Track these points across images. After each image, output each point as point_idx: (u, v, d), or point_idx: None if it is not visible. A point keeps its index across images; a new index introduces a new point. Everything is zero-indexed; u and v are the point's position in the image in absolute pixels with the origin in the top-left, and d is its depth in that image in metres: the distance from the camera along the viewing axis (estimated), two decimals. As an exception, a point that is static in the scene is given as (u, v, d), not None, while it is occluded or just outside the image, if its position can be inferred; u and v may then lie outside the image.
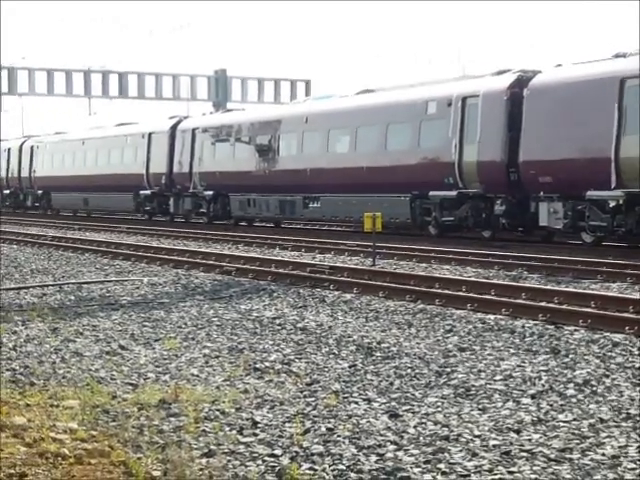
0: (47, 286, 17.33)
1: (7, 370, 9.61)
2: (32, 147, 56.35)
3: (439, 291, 15.21)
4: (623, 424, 7.29)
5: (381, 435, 7.06)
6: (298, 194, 33.97)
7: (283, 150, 35.45)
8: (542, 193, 24.73)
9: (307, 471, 6.21)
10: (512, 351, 10.45)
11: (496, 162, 26.13)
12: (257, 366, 9.78)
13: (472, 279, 16.98)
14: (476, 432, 7.10)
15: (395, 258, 21.82)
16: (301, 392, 8.56)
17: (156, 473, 6.14)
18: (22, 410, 7.76)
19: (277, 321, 12.93)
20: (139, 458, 6.43)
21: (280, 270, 19.03)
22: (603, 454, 6.51)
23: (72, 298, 15.69)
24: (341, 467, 6.31)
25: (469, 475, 6.11)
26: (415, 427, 7.28)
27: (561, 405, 7.95)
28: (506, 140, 25.94)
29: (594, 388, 8.54)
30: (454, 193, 27.33)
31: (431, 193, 28.07)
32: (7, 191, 59.00)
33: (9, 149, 59.51)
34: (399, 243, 24.56)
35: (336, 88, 47.76)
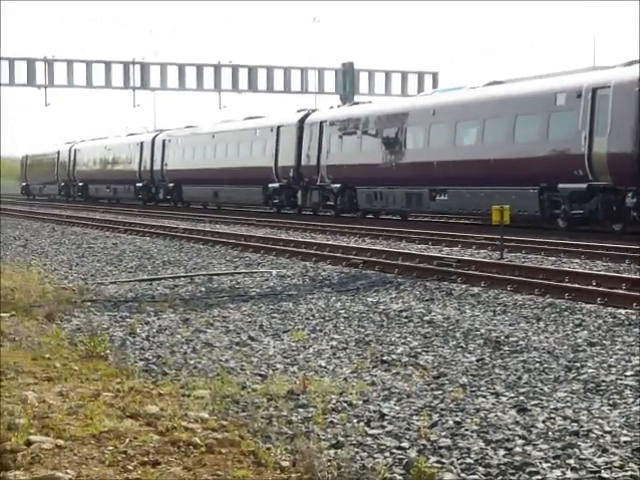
0: (178, 277, 17.65)
1: (140, 360, 9.83)
2: (164, 141, 57.30)
3: (568, 285, 15.01)
4: None
5: (509, 429, 7.02)
6: (425, 187, 33.84)
7: (410, 143, 35.37)
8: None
9: (435, 464, 6.21)
10: (644, 346, 10.25)
11: (627, 154, 25.60)
12: (384, 358, 9.81)
13: (602, 273, 16.70)
14: (606, 428, 7.00)
15: (523, 251, 21.59)
16: (428, 385, 8.56)
17: (285, 463, 6.22)
18: (155, 399, 7.94)
19: (404, 314, 12.93)
20: (268, 448, 6.52)
21: (407, 263, 19.01)
22: None
23: (203, 289, 15.95)
24: (469, 461, 6.30)
25: (599, 471, 6.03)
26: (544, 422, 7.21)
27: (695, 402, 7.78)
28: (638, 132, 25.40)
29: None
30: (584, 186, 26.88)
31: (560, 185, 27.67)
32: (140, 184, 60.14)
33: (142, 143, 60.65)
34: (527, 236, 24.29)
35: (464, 80, 47.40)
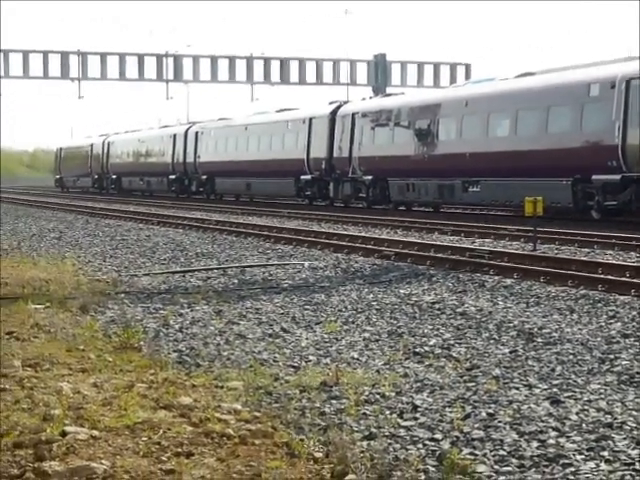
0: (211, 269, 17.71)
1: (174, 351, 9.88)
2: (197, 133, 57.45)
3: (602, 276, 14.95)
4: None
5: (542, 421, 7.00)
6: (457, 178, 33.78)
7: (442, 134, 35.31)
8: None
9: (468, 456, 6.21)
10: (678, 338, 10.20)
11: (661, 145, 25.45)
12: (417, 350, 9.81)
13: (636, 264, 16.60)
14: (640, 420, 6.97)
15: (556, 243, 21.51)
16: (461, 377, 8.55)
17: (318, 455, 6.23)
18: (188, 390, 7.98)
19: (436, 306, 12.92)
20: (301, 440, 6.54)
21: (439, 255, 18.98)
22: None
23: (235, 281, 15.99)
24: (502, 453, 6.29)
25: (633, 463, 6.01)
26: (577, 414, 7.19)
27: None
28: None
29: None
30: (617, 177, 26.75)
31: (594, 177, 27.54)
32: (173, 176, 60.33)
33: (175, 135, 60.83)
34: (560, 228, 24.19)
35: (496, 71, 47.24)
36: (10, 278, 16.16)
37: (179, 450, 6.27)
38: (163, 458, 6.12)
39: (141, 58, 57.78)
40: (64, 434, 6.50)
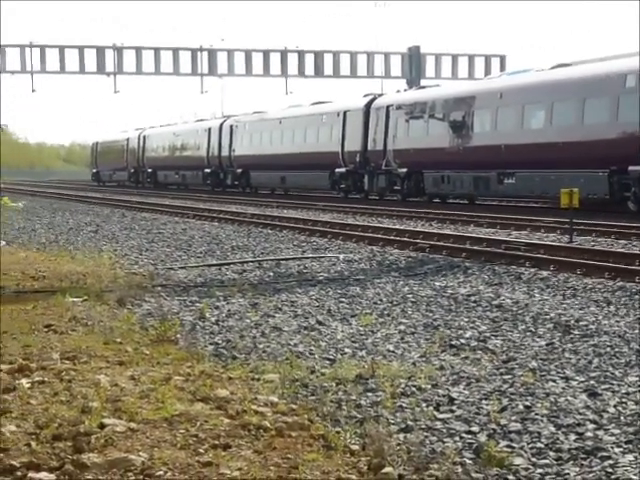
0: (247, 262, 17.75)
1: (210, 344, 9.91)
2: (231, 126, 57.57)
3: (639, 268, 14.84)
4: None
5: (580, 414, 6.98)
6: (492, 170, 33.67)
7: (477, 126, 35.20)
8: None
9: (505, 448, 6.20)
10: None
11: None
12: (452, 343, 9.79)
13: (674, 256, 16.48)
14: (679, 413, 6.93)
15: (593, 235, 21.39)
16: (497, 369, 8.53)
17: (354, 447, 6.24)
18: (225, 383, 8.00)
19: (472, 298, 12.89)
20: (338, 432, 6.54)
21: (475, 247, 18.93)
22: None
23: (271, 274, 16.03)
24: (539, 445, 6.28)
25: (671, 456, 5.98)
26: (615, 406, 7.16)
27: None
28: None
29: None
30: (655, 168, 26.56)
31: (630, 168, 27.35)
32: (208, 170, 60.49)
33: (209, 129, 60.99)
34: (597, 219, 24.05)
35: (532, 63, 47.05)
36: (48, 272, 16.28)
37: (216, 442, 6.29)
38: (200, 450, 6.14)
39: (176, 52, 57.92)
40: (102, 426, 6.54)
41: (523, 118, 32.52)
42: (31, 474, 5.70)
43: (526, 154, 31.77)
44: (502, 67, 57.75)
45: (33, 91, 57.22)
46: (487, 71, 57.47)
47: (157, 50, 57.81)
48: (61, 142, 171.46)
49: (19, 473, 5.73)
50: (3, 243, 22.84)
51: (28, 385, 7.80)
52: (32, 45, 56.19)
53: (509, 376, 8.23)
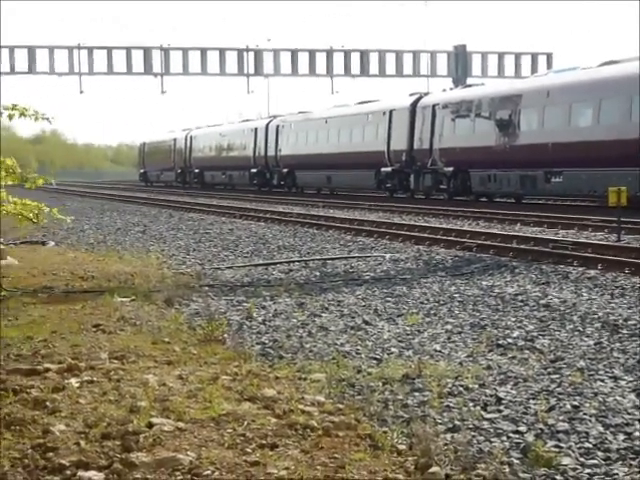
0: (293, 262, 17.79)
1: (257, 344, 9.95)
2: (277, 126, 57.68)
3: (689, 267, 14.71)
4: None
5: (629, 413, 6.93)
6: (539, 169, 33.49)
7: (524, 124, 35.02)
8: None
9: (552, 448, 6.17)
10: None
11: None
12: (500, 342, 9.76)
13: None
14: None
15: (642, 233, 21.21)
16: (545, 369, 8.49)
17: (401, 447, 6.24)
18: (272, 382, 8.03)
19: (519, 297, 12.83)
20: (385, 432, 6.55)
21: (522, 246, 18.84)
22: None
23: (317, 274, 16.04)
24: (587, 445, 6.24)
25: None
26: (664, 407, 7.11)
27: None
28: None
29: None
30: None
31: (680, 165, 27.10)
32: (254, 170, 60.66)
33: (256, 129, 61.16)
34: (646, 218, 23.83)
35: (579, 60, 46.74)
36: (96, 272, 16.42)
37: (263, 442, 6.32)
38: (248, 450, 6.17)
39: (222, 53, 58.16)
40: (150, 425, 6.59)
41: (570, 116, 32.30)
42: (80, 473, 5.76)
43: (573, 152, 31.55)
44: (549, 65, 57.43)
45: (81, 92, 57.73)
46: (534, 69, 57.18)
47: (204, 50, 58.09)
48: (109, 143, 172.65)
49: (68, 472, 5.79)
50: (52, 244, 23.06)
51: (77, 385, 7.88)
52: (80, 47, 56.68)
53: (557, 376, 8.19)
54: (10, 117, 6.25)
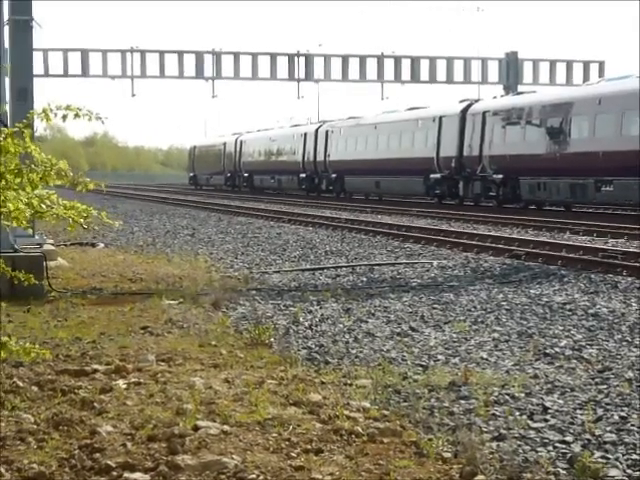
0: (340, 267, 17.79)
1: (303, 348, 9.97)
2: (327, 132, 57.73)
3: None
4: None
5: (677, 426, 6.86)
6: (590, 177, 33.21)
7: (575, 132, 34.76)
8: None
9: (599, 459, 6.12)
10: None
11: None
12: (547, 351, 9.70)
13: None
14: None
15: (693, 244, 20.99)
16: (592, 379, 8.43)
17: (447, 455, 6.22)
18: (317, 387, 8.04)
19: (567, 306, 12.75)
20: (430, 439, 6.53)
21: (571, 255, 18.71)
22: None
23: (364, 279, 16.04)
24: (635, 457, 6.19)
25: None
26: None
27: None
28: None
29: None
30: None
31: None
32: (303, 175, 60.76)
33: (305, 134, 61.25)
34: (698, 228, 23.58)
35: (632, 68, 46.39)
36: (145, 274, 16.54)
37: (308, 447, 6.33)
38: (292, 454, 6.19)
39: (273, 57, 58.26)
40: (196, 428, 6.63)
41: (622, 125, 32.01)
42: (126, 474, 5.80)
43: (625, 161, 31.25)
44: (601, 73, 56.93)
45: (133, 95, 58.08)
46: (585, 77, 56.71)
47: (255, 55, 58.21)
48: (159, 146, 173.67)
49: (115, 473, 5.83)
50: (102, 245, 23.24)
51: (124, 386, 7.94)
52: (133, 50, 57.06)
53: (604, 386, 8.13)
54: (64, 118, 6.30)
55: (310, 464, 5.98)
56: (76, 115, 6.34)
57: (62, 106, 6.31)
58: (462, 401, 7.62)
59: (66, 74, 56.16)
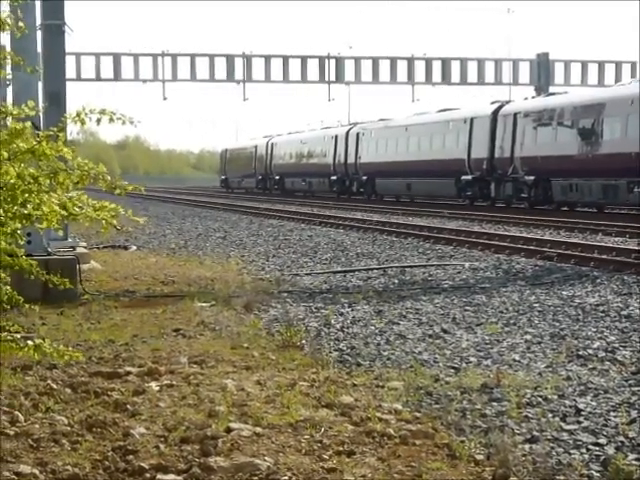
0: (371, 269, 17.79)
1: (335, 350, 9.97)
2: (357, 134, 57.72)
3: None
4: None
5: None
6: (622, 178, 33.03)
7: (607, 133, 34.59)
8: None
9: (634, 462, 6.09)
10: None
11: None
12: (580, 353, 9.66)
13: None
14: None
15: None
16: (626, 381, 8.38)
17: (479, 457, 6.21)
18: (349, 389, 8.04)
19: (600, 308, 12.68)
20: (462, 441, 6.52)
21: (603, 256, 18.61)
22: None
23: (395, 281, 16.03)
24: (668, 460, 6.16)
25: None
26: None
27: None
28: None
29: None
30: None
31: None
32: (334, 177, 60.77)
33: (336, 136, 61.27)
34: None
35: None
36: (177, 276, 16.60)
37: (340, 449, 6.33)
38: (325, 456, 6.19)
39: (304, 60, 58.41)
40: (229, 430, 6.65)
41: (655, 125, 31.83)
42: (159, 476, 5.83)
43: (658, 162, 31.08)
44: (633, 74, 56.65)
45: (164, 99, 58.40)
46: (617, 78, 56.45)
47: (285, 58, 58.39)
48: (191, 149, 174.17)
49: (148, 475, 5.86)
50: (134, 248, 23.35)
51: (157, 388, 7.97)
52: (164, 54, 57.38)
53: (638, 388, 8.08)
54: (98, 121, 6.32)
55: (342, 466, 5.99)
56: (110, 119, 6.36)
57: (96, 110, 6.34)
58: (494, 403, 7.60)
59: (98, 78, 56.58)
